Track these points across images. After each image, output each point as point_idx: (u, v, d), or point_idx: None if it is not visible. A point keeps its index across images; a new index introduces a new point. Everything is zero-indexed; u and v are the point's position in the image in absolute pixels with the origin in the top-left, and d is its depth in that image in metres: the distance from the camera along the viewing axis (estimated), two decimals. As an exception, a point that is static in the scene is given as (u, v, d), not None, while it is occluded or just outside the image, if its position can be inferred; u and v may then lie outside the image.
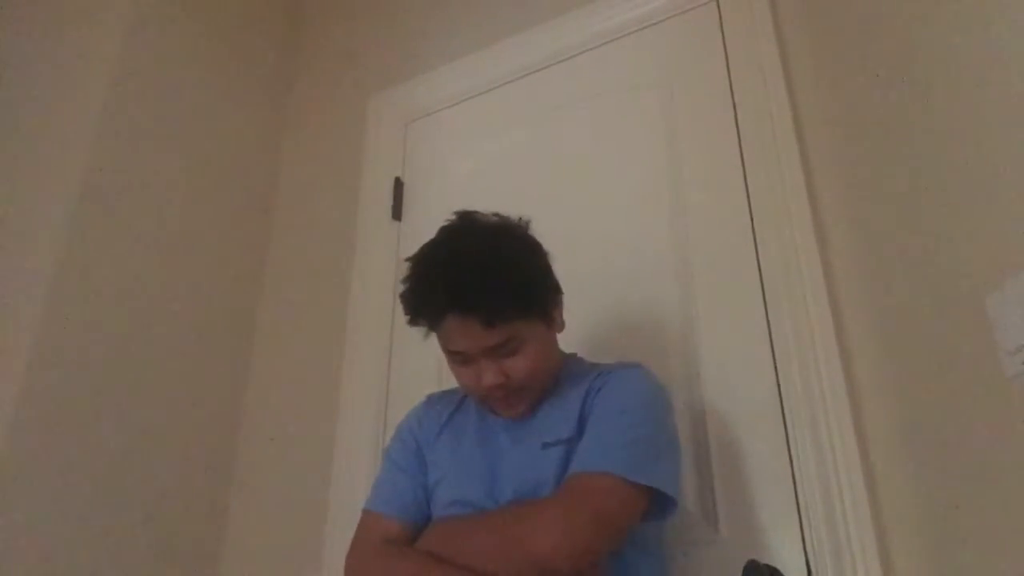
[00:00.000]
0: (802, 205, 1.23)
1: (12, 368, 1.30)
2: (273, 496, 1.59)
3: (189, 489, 1.54)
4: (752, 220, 1.27)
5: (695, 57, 1.46)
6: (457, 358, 0.95)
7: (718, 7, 1.48)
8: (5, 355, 1.33)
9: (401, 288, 0.96)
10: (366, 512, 1.03)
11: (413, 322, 0.95)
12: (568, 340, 1.08)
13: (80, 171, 1.47)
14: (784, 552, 1.04)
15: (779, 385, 1.14)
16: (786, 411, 1.12)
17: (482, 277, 0.90)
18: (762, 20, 1.40)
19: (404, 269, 0.98)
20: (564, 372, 1.04)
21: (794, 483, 1.07)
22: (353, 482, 1.45)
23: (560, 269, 1.02)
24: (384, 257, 1.66)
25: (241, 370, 1.73)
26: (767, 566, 0.98)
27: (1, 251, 1.45)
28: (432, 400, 1.15)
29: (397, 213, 1.72)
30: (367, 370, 1.56)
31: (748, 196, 1.29)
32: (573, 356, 1.11)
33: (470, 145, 1.70)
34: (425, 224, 1.68)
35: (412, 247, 1.77)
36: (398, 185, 1.75)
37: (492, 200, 1.20)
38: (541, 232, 1.02)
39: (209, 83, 1.82)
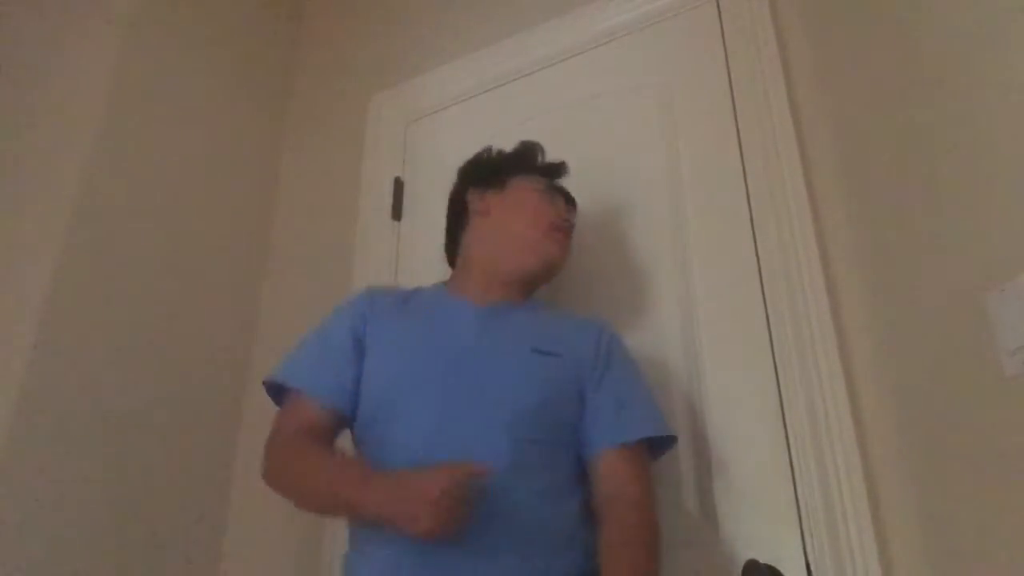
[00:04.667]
0: (802, 205, 1.23)
1: (12, 367, 1.30)
2: (273, 496, 1.58)
3: (189, 489, 1.54)
4: (752, 220, 1.27)
5: (695, 57, 1.46)
6: (554, 196, 1.20)
7: (718, 7, 1.48)
8: (5, 353, 1.33)
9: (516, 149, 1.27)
10: (294, 391, 1.06)
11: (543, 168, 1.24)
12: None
13: (80, 171, 1.47)
14: (784, 552, 1.04)
15: (779, 384, 1.14)
16: (786, 411, 1.12)
17: None
18: (762, 20, 1.40)
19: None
20: (539, 302, 1.19)
21: (794, 483, 1.07)
22: (353, 482, 1.44)
23: (560, 269, 1.03)
24: (384, 257, 1.66)
25: (241, 369, 1.73)
26: (767, 566, 0.98)
27: (1, 249, 1.46)
28: (377, 288, 1.22)
29: (397, 213, 1.72)
30: (367, 370, 1.56)
31: (748, 196, 1.29)
32: None
33: (470, 145, 1.69)
34: (425, 224, 1.71)
35: (412, 247, 1.78)
36: (398, 185, 1.74)
37: (492, 200, 1.21)
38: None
39: (209, 83, 1.82)
